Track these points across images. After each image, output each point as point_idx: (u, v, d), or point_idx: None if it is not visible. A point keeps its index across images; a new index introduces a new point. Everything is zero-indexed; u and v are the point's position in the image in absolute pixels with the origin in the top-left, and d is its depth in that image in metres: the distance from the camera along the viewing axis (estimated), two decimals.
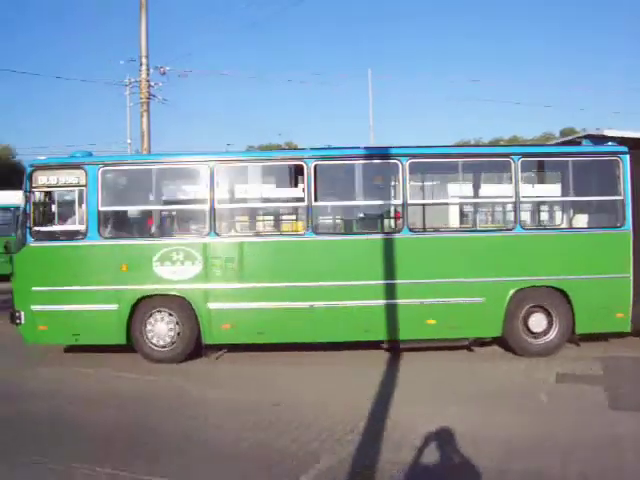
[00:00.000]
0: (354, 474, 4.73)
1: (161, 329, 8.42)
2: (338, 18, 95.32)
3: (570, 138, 9.21)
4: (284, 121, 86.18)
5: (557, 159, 8.60)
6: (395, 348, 8.57)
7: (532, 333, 8.40)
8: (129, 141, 32.78)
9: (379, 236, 8.46)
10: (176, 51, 76.02)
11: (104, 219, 8.47)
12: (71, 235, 8.52)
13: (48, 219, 8.65)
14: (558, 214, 8.94)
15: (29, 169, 8.47)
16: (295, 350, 8.64)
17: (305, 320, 8.28)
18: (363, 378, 7.38)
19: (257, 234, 9.21)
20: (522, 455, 5.04)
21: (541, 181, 9.22)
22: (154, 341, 8.45)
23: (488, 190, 8.79)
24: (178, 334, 8.43)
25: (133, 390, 7.31)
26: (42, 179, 8.46)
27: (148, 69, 18.78)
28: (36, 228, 8.46)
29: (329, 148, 8.82)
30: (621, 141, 8.52)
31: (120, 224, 8.83)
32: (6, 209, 17.78)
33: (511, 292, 8.26)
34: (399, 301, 8.24)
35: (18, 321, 8.45)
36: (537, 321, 8.39)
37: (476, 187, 8.80)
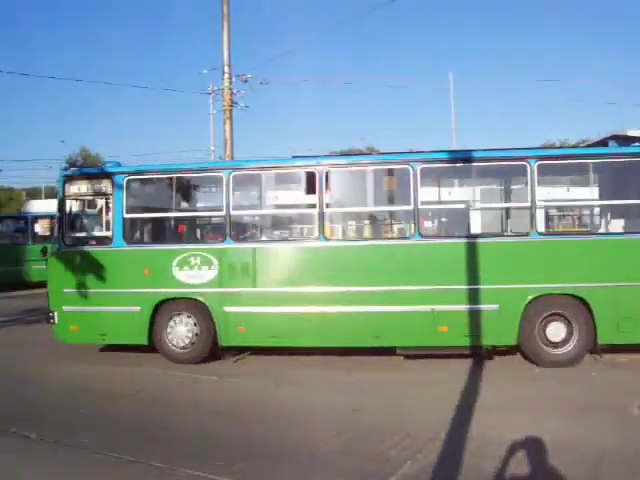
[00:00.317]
0: None
1: (180, 331, 8.78)
2: (419, 21, 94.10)
3: (598, 140, 8.77)
4: (366, 125, 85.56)
5: (576, 161, 8.24)
6: (410, 355, 8.52)
7: (550, 342, 8.10)
8: (213, 148, 33.72)
9: (390, 242, 8.45)
10: (257, 58, 77.82)
11: (128, 226, 8.94)
12: (99, 241, 9.05)
13: (79, 226, 9.24)
14: (577, 219, 8.56)
15: (62, 179, 9.08)
16: (330, 354, 8.71)
17: (317, 325, 8.38)
18: (435, 385, 7.37)
19: (271, 240, 9.38)
20: (614, 468, 4.79)
21: (559, 185, 8.85)
22: (174, 342, 8.81)
23: (504, 194, 8.54)
24: (196, 335, 8.76)
25: (215, 393, 7.48)
26: (73, 188, 9.05)
27: (230, 77, 19.21)
28: (68, 234, 9.09)
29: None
30: None
31: (143, 230, 9.29)
32: None
33: (527, 299, 8.01)
34: (410, 307, 8.18)
35: (52, 321, 9.06)
36: (556, 330, 8.08)
37: (492, 191, 8.59)
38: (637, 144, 8.10)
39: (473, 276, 8.07)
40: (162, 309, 8.79)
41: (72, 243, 9.06)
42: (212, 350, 8.81)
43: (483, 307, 8.06)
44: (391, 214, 9.01)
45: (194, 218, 9.61)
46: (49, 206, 18.00)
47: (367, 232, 9.13)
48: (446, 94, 39.44)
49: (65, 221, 9.10)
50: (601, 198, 8.35)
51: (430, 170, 8.44)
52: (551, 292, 8.05)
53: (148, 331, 8.78)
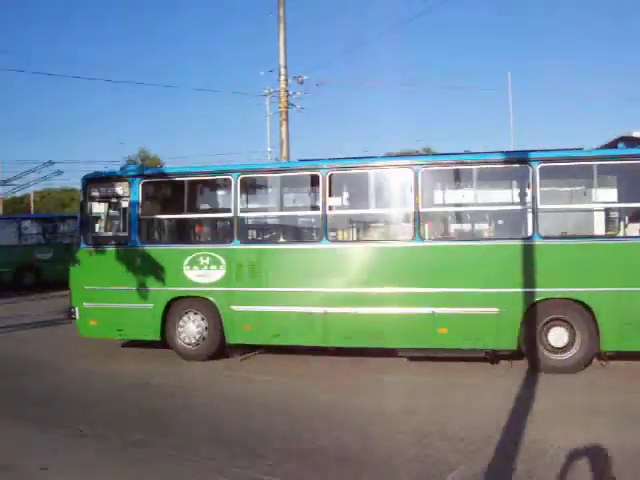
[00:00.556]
0: None
1: (190, 328, 9.13)
2: (475, 21, 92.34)
3: (609, 142, 8.55)
4: (422, 126, 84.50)
5: (580, 163, 8.06)
6: (414, 357, 8.58)
7: (552, 348, 7.98)
8: (269, 149, 34.13)
9: (392, 244, 8.53)
10: (313, 59, 78.42)
11: (143, 226, 9.37)
12: (116, 240, 9.51)
13: (98, 226, 9.75)
14: (580, 222, 8.37)
15: (83, 182, 9.62)
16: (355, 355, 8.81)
17: (319, 325, 8.55)
18: (479, 390, 7.33)
19: (275, 241, 9.61)
20: None
21: (562, 187, 8.68)
22: (184, 339, 9.17)
23: (506, 197, 8.45)
24: (205, 332, 9.09)
25: (266, 392, 7.52)
26: (93, 191, 9.58)
27: (287, 79, 19.35)
28: (88, 234, 9.63)
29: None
30: None
31: (157, 231, 9.71)
32: None
33: (528, 304, 7.92)
34: (410, 309, 8.23)
35: (73, 316, 9.61)
36: (557, 335, 7.95)
37: (488, 195, 8.51)
38: None
39: (473, 279, 8.06)
40: (174, 307, 9.17)
41: (92, 242, 9.58)
42: (220, 348, 9.12)
43: (483, 310, 8.02)
44: (393, 216, 9.04)
45: (204, 220, 9.94)
46: None
47: (370, 234, 9.20)
48: (505, 94, 38.49)
49: (86, 222, 9.65)
50: (604, 201, 8.16)
51: (431, 173, 8.47)
52: (552, 297, 7.92)
53: (161, 328, 9.18)
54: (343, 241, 8.85)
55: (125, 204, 9.35)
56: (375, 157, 8.85)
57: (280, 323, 8.71)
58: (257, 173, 9.32)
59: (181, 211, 9.44)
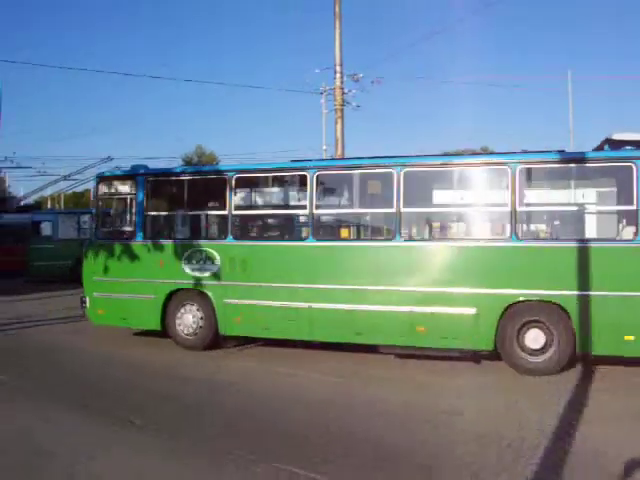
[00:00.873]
0: None
1: (187, 319, 9.66)
2: (536, 18, 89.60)
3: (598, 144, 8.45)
4: (476, 125, 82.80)
5: (559, 166, 8.02)
6: (401, 355, 8.77)
7: (528, 349, 8.00)
8: (324, 147, 34.31)
9: (373, 243, 8.75)
10: (369, 57, 78.34)
11: (147, 222, 9.97)
12: (124, 235, 10.15)
13: (109, 221, 10.44)
14: (558, 224, 8.30)
15: (96, 180, 10.32)
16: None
17: (304, 319, 8.88)
18: (522, 392, 7.25)
19: (265, 238, 10.00)
20: None
21: (543, 189, 8.61)
22: (182, 329, 9.70)
23: (483, 198, 8.47)
24: (201, 323, 9.59)
25: (310, 389, 7.51)
26: (105, 188, 10.27)
27: (342, 77, 19.44)
28: (99, 228, 10.33)
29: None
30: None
31: (160, 227, 10.28)
32: None
33: (504, 305, 7.97)
34: (389, 307, 8.43)
35: (85, 305, 10.34)
36: (534, 337, 7.95)
37: (471, 196, 8.55)
38: (629, 148, 7.76)
39: (452, 279, 8.18)
40: (173, 298, 9.73)
41: (102, 237, 10.27)
42: (214, 339, 9.60)
43: (460, 310, 8.13)
44: (374, 216, 9.25)
45: (202, 216, 10.45)
46: None
47: (354, 233, 9.45)
48: (564, 93, 37.24)
49: (98, 217, 10.37)
50: (582, 204, 8.10)
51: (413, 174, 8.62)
52: (529, 298, 7.94)
53: (161, 317, 9.76)
54: (329, 239, 9.14)
55: (132, 201, 9.98)
56: (361, 158, 9.06)
57: (268, 316, 9.09)
58: (251, 173, 9.75)
59: (181, 208, 9.97)
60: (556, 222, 8.29)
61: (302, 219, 9.19)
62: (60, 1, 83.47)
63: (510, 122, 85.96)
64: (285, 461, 4.97)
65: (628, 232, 7.66)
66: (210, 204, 10.25)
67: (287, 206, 10.13)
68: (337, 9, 18.31)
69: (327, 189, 9.12)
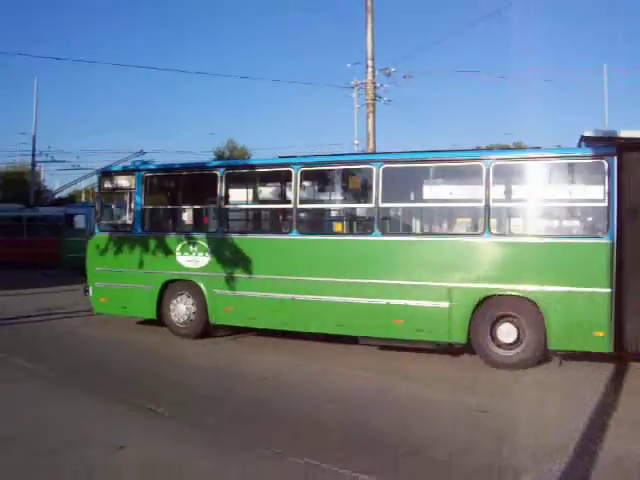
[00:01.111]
0: None
1: (181, 308, 10.10)
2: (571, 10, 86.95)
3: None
4: (512, 120, 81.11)
5: (533, 162, 8.09)
6: (386, 347, 9.00)
7: (501, 343, 8.12)
8: (356, 142, 34.19)
9: (352, 237, 9.00)
10: (401, 51, 77.44)
11: (145, 216, 10.44)
12: (123, 228, 10.66)
13: (110, 214, 10.97)
14: (531, 220, 8.33)
15: (98, 175, 10.85)
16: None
17: (287, 310, 9.21)
18: (553, 391, 7.20)
19: (252, 232, 10.34)
20: None
21: (516, 185, 8.65)
22: (176, 318, 10.15)
23: (459, 194, 8.58)
24: (193, 313, 10.02)
25: (340, 385, 7.47)
26: (107, 183, 10.79)
27: (374, 71, 19.28)
28: (101, 221, 10.87)
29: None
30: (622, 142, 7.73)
31: (156, 220, 10.74)
32: None
33: (476, 299, 8.11)
34: (367, 300, 8.67)
35: (88, 294, 10.91)
36: (506, 331, 8.07)
37: (447, 191, 8.69)
38: (602, 145, 7.78)
39: (427, 273, 8.36)
40: (168, 289, 10.18)
41: (104, 229, 10.80)
42: (205, 328, 10.01)
43: (434, 304, 8.30)
44: (353, 211, 9.48)
45: (195, 210, 10.86)
46: None
47: (333, 227, 9.72)
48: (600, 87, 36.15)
49: (100, 210, 10.92)
50: (556, 201, 8.15)
51: (391, 170, 8.81)
52: (502, 293, 8.07)
53: (157, 307, 10.23)
54: (311, 233, 9.43)
55: (131, 196, 10.47)
56: (344, 154, 9.31)
57: (253, 307, 9.45)
58: (240, 169, 10.11)
59: (176, 202, 10.41)
60: (529, 218, 8.34)
61: (287, 214, 9.48)
62: None
63: (547, 117, 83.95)
64: (305, 454, 4.93)
65: (598, 228, 7.70)
66: (202, 199, 10.64)
67: (273, 201, 10.46)
68: (369, 3, 18.22)
69: (311, 185, 9.39)
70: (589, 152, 7.78)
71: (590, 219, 8.02)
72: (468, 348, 8.46)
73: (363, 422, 5.97)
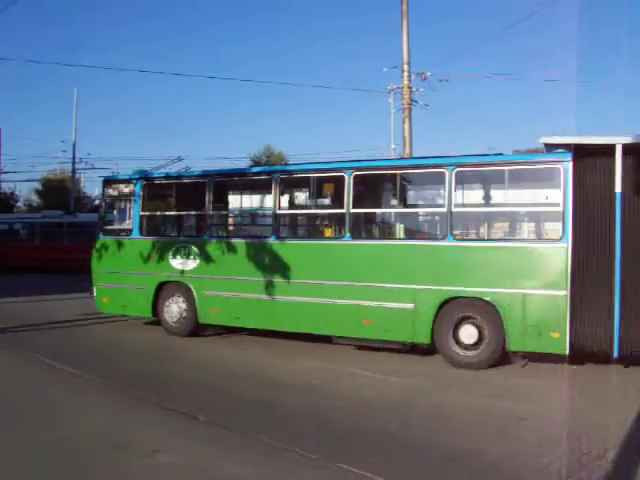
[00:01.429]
0: None
1: (173, 308, 10.71)
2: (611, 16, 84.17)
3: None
4: (549, 124, 79.13)
5: (494, 168, 8.30)
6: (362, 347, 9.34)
7: (464, 344, 8.34)
8: (393, 146, 34.11)
9: (325, 241, 9.40)
10: (438, 55, 76.99)
11: (143, 221, 11.13)
12: (124, 232, 11.38)
13: (111, 220, 11.71)
14: (491, 225, 8.50)
15: (102, 182, 11.64)
16: None
17: (269, 310, 9.68)
18: (591, 396, 7.00)
19: (236, 236, 10.85)
20: None
21: (477, 191, 8.83)
22: (169, 317, 10.78)
23: (423, 200, 8.83)
24: (185, 312, 10.61)
25: (374, 389, 7.44)
26: (109, 190, 11.56)
27: (410, 76, 19.34)
28: (104, 226, 11.63)
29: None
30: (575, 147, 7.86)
31: (153, 225, 11.41)
32: None
33: (439, 301, 8.37)
34: (339, 300, 9.04)
35: (92, 294, 11.68)
36: (467, 333, 8.30)
37: (410, 197, 8.95)
38: (560, 150, 7.92)
39: (393, 276, 8.68)
40: (162, 290, 10.82)
41: (106, 233, 11.56)
42: (195, 327, 10.59)
43: (400, 305, 8.61)
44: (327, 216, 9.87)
45: (187, 216, 11.49)
46: None
47: (307, 232, 10.12)
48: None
49: (103, 216, 11.69)
50: (515, 205, 8.33)
51: (361, 177, 9.17)
52: (462, 295, 8.30)
53: (152, 306, 10.88)
54: (289, 238, 9.89)
55: (131, 202, 11.18)
56: (315, 163, 9.73)
57: (237, 307, 9.97)
58: (226, 177, 10.67)
59: (170, 208, 11.06)
60: (490, 222, 8.56)
61: (267, 219, 9.98)
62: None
63: (584, 121, 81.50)
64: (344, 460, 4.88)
65: (555, 232, 7.85)
66: (194, 205, 11.23)
67: (257, 207, 10.98)
68: (404, 7, 18.35)
69: (288, 191, 9.84)
70: (546, 158, 7.96)
71: (547, 223, 8.18)
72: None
73: (399, 430, 5.81)
